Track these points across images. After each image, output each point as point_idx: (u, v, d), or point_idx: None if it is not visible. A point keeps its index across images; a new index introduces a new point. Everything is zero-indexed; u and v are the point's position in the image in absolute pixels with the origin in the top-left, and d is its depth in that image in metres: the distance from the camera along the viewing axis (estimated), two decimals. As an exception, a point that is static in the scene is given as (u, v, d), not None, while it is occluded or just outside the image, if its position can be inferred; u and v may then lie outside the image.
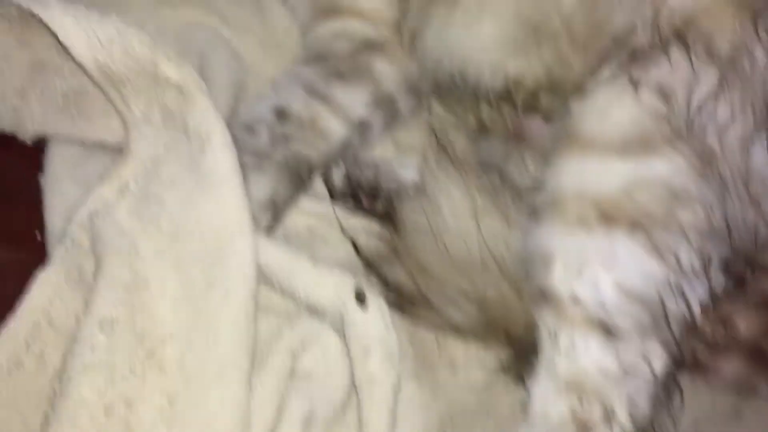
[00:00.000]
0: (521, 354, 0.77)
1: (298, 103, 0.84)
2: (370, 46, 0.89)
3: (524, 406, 0.74)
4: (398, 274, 0.80)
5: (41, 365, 0.69)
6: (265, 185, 0.80)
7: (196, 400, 0.68)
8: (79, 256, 0.72)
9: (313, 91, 0.85)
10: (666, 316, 0.70)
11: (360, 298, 0.74)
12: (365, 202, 0.86)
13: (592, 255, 0.71)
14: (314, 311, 0.75)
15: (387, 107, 0.89)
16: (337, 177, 0.87)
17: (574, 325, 0.71)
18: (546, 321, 0.72)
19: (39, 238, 0.76)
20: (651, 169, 0.71)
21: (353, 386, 0.73)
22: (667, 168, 0.71)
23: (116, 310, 0.68)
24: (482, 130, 0.90)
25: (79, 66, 0.73)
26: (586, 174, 0.73)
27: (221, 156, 0.73)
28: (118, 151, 0.76)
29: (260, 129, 0.82)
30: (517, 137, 0.88)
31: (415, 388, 0.78)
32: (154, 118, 0.74)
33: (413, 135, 0.93)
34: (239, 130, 0.81)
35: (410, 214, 0.82)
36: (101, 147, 0.78)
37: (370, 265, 0.81)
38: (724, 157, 0.72)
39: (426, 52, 0.88)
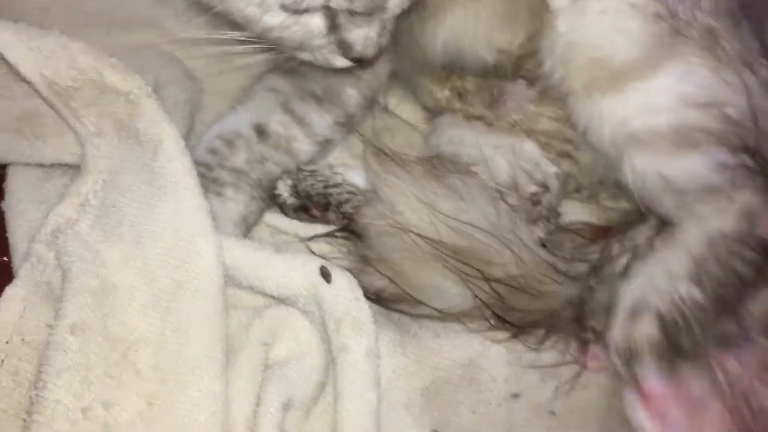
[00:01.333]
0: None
1: (275, 120, 0.85)
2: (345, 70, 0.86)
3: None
4: (375, 281, 0.80)
5: (17, 381, 0.69)
6: (239, 203, 0.82)
7: (173, 399, 0.68)
8: (46, 272, 0.72)
9: (289, 111, 0.86)
10: None
11: (325, 273, 0.75)
12: (316, 213, 0.86)
13: None
14: (286, 299, 0.76)
15: (348, 125, 0.91)
16: (285, 191, 0.86)
17: None
18: None
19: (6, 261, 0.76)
20: None
21: (330, 364, 0.74)
22: None
23: (86, 315, 0.68)
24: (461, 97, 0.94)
25: (30, 87, 0.75)
26: None
27: (174, 158, 0.74)
28: (76, 168, 0.77)
29: (239, 144, 0.83)
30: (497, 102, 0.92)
31: (400, 356, 0.79)
32: (107, 129, 0.75)
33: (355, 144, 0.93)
34: (218, 141, 0.83)
35: (370, 220, 0.82)
36: (60, 166, 0.79)
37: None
38: None
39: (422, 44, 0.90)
